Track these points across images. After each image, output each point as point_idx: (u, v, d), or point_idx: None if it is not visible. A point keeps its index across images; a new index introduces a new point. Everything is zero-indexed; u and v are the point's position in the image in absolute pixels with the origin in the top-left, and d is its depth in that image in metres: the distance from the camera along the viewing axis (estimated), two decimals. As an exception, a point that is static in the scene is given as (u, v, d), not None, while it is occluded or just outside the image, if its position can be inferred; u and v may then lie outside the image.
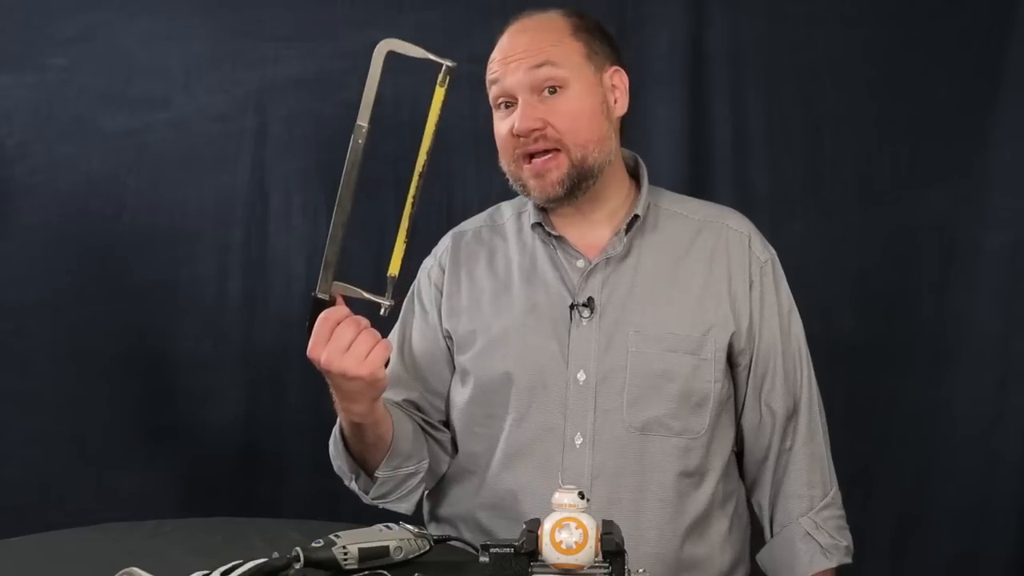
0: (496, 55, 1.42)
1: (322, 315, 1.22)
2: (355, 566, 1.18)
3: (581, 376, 1.38)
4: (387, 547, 1.21)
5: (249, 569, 1.11)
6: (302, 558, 1.15)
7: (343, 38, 2.06)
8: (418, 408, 1.50)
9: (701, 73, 2.02)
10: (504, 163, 1.43)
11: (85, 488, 2.04)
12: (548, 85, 1.37)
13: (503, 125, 1.41)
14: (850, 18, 1.99)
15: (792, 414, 1.44)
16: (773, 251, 1.48)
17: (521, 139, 1.38)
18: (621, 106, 1.44)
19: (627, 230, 1.43)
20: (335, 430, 1.40)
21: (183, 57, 2.06)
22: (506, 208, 1.55)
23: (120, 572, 1.08)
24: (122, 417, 2.06)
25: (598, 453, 1.37)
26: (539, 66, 1.37)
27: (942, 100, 1.97)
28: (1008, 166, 1.94)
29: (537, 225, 1.46)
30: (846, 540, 1.44)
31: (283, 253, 2.09)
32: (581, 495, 1.01)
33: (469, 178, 2.07)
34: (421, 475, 1.43)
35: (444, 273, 1.52)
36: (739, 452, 1.49)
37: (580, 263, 1.43)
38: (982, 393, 1.96)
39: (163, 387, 2.07)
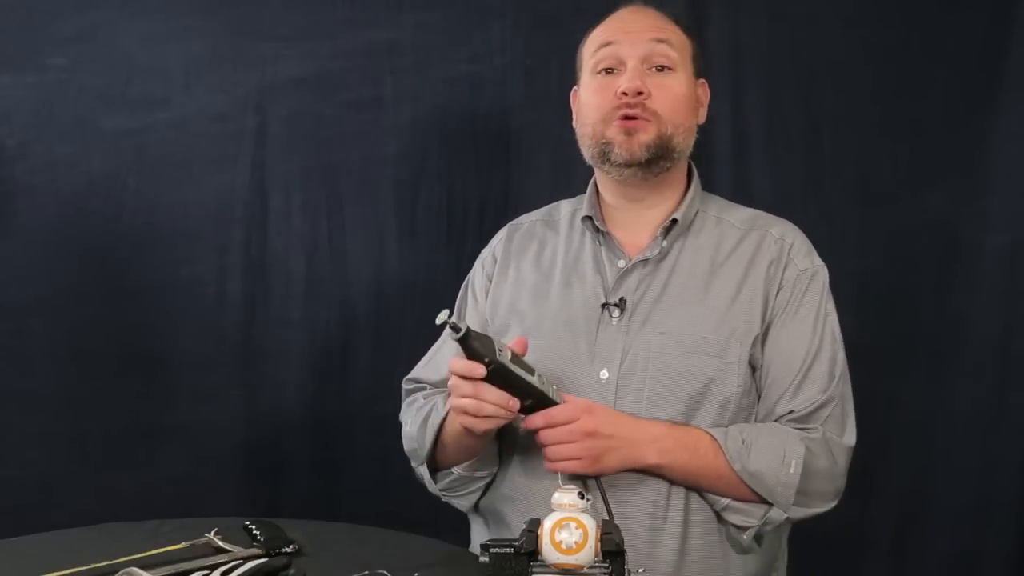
0: (612, 24, 1.47)
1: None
2: (505, 362, 1.22)
3: (604, 375, 1.39)
4: (533, 370, 1.26)
5: (249, 569, 1.11)
6: (464, 329, 1.19)
7: (343, 38, 2.06)
8: None
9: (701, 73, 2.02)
10: (588, 125, 1.46)
11: (85, 488, 2.04)
12: (660, 63, 1.42)
13: (603, 88, 1.43)
14: (850, 18, 1.99)
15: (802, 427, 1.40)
16: (821, 265, 1.47)
17: (623, 99, 1.40)
18: (701, 116, 1.51)
19: (665, 233, 1.44)
20: (433, 418, 1.43)
21: (183, 57, 2.06)
22: (565, 205, 1.59)
23: (120, 572, 1.08)
24: (122, 417, 2.06)
25: None
26: (661, 41, 1.42)
27: (942, 100, 1.97)
28: (1008, 166, 1.94)
29: (587, 218, 1.48)
30: (765, 463, 1.34)
31: (283, 253, 2.09)
32: (581, 495, 1.01)
33: (469, 178, 2.07)
34: (488, 480, 1.47)
35: (496, 263, 1.56)
36: None
37: (621, 263, 1.45)
38: (982, 393, 1.96)
39: (163, 387, 2.07)
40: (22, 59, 2.04)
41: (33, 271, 2.04)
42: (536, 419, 1.29)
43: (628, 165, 1.42)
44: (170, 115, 2.06)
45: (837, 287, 1.98)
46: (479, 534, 1.51)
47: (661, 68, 1.43)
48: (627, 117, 1.40)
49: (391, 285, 2.07)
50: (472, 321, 1.53)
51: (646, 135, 1.41)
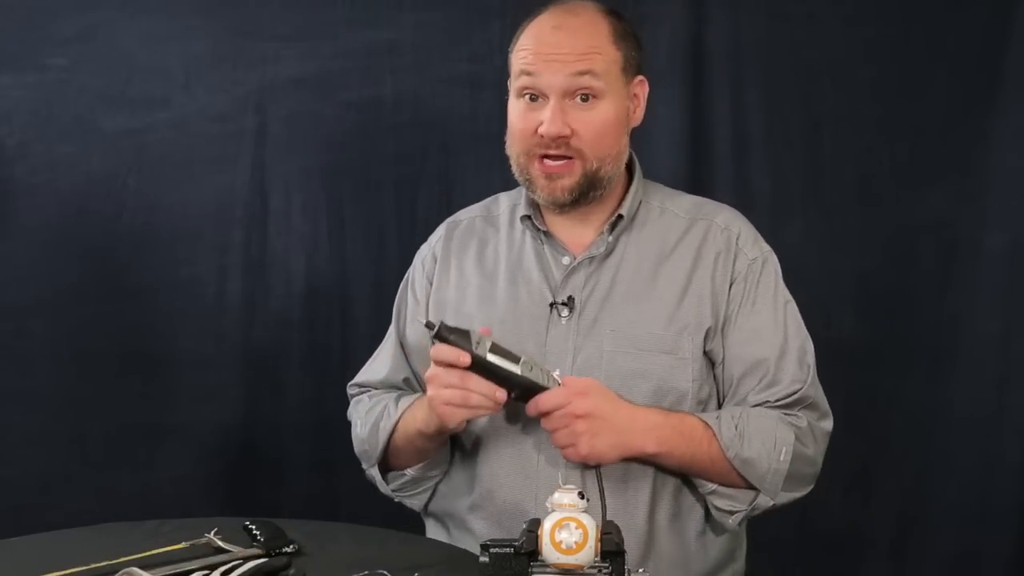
0: (532, 45, 1.37)
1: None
2: (483, 355, 1.22)
3: (556, 374, 1.37)
4: (518, 358, 1.24)
5: (249, 569, 1.11)
6: (438, 325, 1.22)
7: (343, 38, 2.06)
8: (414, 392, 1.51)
9: (701, 73, 2.02)
10: (514, 152, 1.41)
11: (85, 488, 2.04)
12: (584, 93, 1.35)
13: (525, 117, 1.37)
14: (850, 18, 1.99)
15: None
16: (769, 251, 1.45)
17: (543, 139, 1.36)
18: (637, 117, 1.44)
19: (611, 229, 1.43)
20: (384, 422, 1.43)
21: (183, 57, 2.06)
22: (503, 199, 1.55)
23: (120, 572, 1.08)
24: (122, 417, 2.06)
25: None
26: (580, 74, 1.34)
27: (942, 100, 1.97)
28: (1008, 166, 1.95)
29: (526, 218, 1.46)
30: (755, 445, 1.33)
31: (283, 253, 2.09)
32: (581, 495, 1.01)
33: (469, 178, 2.07)
34: (439, 479, 1.47)
35: (436, 263, 1.52)
36: None
37: (566, 260, 1.43)
38: (982, 393, 1.97)
39: (163, 387, 2.07)
40: (22, 59, 2.04)
41: (33, 271, 2.04)
42: (529, 408, 1.28)
43: (553, 204, 1.41)
44: (170, 115, 2.06)
45: (837, 287, 2.00)
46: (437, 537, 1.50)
47: (585, 98, 1.35)
48: (548, 156, 1.37)
49: (391, 285, 2.07)
50: (412, 323, 1.51)
51: (570, 179, 1.37)
